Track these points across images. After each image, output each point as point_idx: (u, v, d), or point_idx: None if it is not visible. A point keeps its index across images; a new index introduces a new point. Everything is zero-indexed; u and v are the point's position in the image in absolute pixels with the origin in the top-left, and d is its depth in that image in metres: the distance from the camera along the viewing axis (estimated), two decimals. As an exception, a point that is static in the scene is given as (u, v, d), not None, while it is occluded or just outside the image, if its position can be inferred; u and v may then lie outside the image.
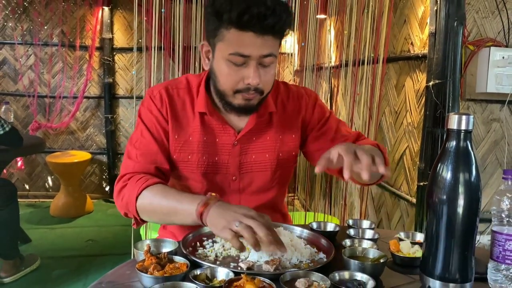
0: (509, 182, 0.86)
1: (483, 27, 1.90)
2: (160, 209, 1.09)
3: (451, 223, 0.81)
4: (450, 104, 1.83)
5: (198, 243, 1.05)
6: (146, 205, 1.10)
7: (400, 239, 1.08)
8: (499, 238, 0.85)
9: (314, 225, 1.17)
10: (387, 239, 1.11)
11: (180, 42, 2.30)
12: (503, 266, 0.85)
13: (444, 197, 0.81)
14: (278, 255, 0.94)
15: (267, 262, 0.92)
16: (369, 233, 1.12)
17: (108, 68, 4.53)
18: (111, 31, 4.52)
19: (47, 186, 4.66)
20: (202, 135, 1.21)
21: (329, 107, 3.46)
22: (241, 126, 1.23)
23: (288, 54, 4.54)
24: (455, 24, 1.80)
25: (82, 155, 4.23)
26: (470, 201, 0.81)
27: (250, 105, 1.15)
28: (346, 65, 2.76)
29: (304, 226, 1.19)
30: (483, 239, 1.89)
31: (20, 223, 2.98)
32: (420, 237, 1.11)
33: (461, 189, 0.80)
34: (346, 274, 0.87)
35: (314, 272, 0.86)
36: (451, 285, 0.82)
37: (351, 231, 1.13)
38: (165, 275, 0.84)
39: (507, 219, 0.85)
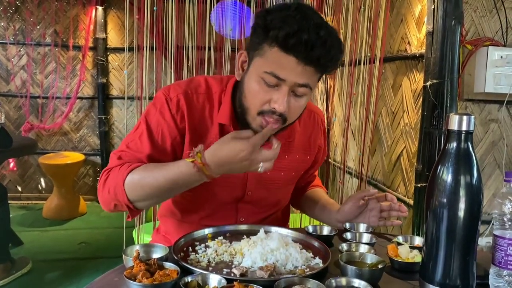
0: (511, 185, 0.83)
1: (481, 26, 1.88)
2: (155, 180, 1.02)
3: (452, 227, 0.79)
4: (448, 104, 1.81)
5: (190, 248, 1.02)
6: (136, 182, 1.03)
7: (399, 243, 1.05)
8: (501, 242, 0.82)
9: (310, 229, 1.14)
10: (384, 243, 1.08)
11: (173, 41, 2.26)
12: (505, 272, 0.82)
13: (445, 200, 0.79)
14: (272, 261, 0.91)
15: (261, 268, 0.89)
16: (366, 237, 1.10)
17: (102, 68, 4.48)
18: (105, 30, 4.48)
19: (40, 188, 4.61)
20: None
21: (325, 108, 3.44)
22: None
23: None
24: (452, 23, 1.78)
25: (75, 157, 4.19)
26: (472, 204, 0.78)
27: None
28: (343, 65, 2.73)
29: (299, 229, 1.16)
30: (481, 242, 1.87)
31: (11, 225, 2.94)
32: (419, 241, 1.08)
33: (462, 192, 0.78)
34: (343, 281, 0.84)
35: (310, 279, 0.83)
36: (452, 291, 0.79)
37: (348, 235, 1.10)
38: (154, 282, 0.80)
39: (510, 223, 0.82)
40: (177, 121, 1.12)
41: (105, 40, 4.49)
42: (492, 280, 0.84)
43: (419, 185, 1.97)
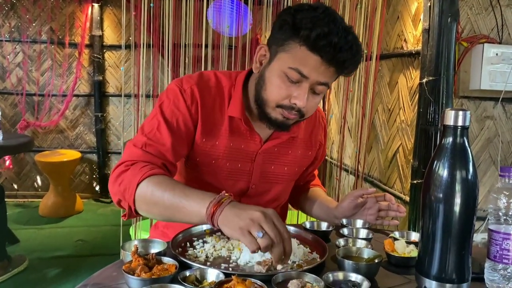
0: (506, 180, 0.84)
1: (476, 24, 1.89)
2: (163, 201, 0.98)
3: (447, 221, 0.79)
4: (444, 101, 1.82)
5: (188, 243, 1.03)
6: (147, 194, 0.99)
7: (395, 239, 1.06)
8: (496, 237, 0.83)
9: (307, 225, 1.15)
10: (381, 238, 1.09)
11: (170, 39, 2.26)
12: (500, 266, 0.83)
13: (441, 195, 0.79)
14: (270, 256, 0.91)
15: (259, 263, 0.89)
16: (363, 233, 1.10)
17: (98, 66, 4.47)
18: (101, 28, 4.46)
19: (36, 186, 4.60)
20: (230, 140, 1.16)
21: (321, 105, 3.44)
22: (266, 134, 1.20)
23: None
24: (448, 20, 1.79)
25: (72, 154, 4.18)
26: (467, 199, 0.79)
27: (285, 123, 1.11)
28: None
29: (297, 225, 1.17)
30: (476, 238, 1.88)
31: (8, 223, 2.93)
32: (415, 236, 1.09)
33: (458, 187, 0.78)
34: (340, 275, 0.84)
35: (307, 273, 0.83)
36: (448, 285, 0.80)
37: (345, 230, 1.11)
38: (152, 277, 0.81)
39: (504, 217, 0.83)
40: (192, 111, 1.13)
41: (101, 37, 4.47)
42: (487, 274, 0.85)
43: (415, 181, 1.98)
